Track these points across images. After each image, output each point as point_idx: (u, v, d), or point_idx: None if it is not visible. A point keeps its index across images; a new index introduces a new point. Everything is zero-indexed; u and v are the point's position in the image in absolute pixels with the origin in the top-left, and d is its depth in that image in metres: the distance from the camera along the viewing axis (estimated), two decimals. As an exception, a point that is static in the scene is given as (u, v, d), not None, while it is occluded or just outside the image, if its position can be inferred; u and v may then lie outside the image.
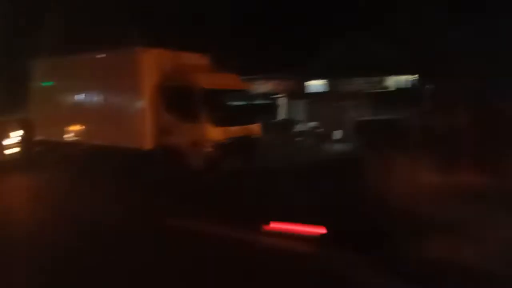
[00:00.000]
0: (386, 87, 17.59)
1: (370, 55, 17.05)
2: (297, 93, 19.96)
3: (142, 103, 10.20)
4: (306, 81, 19.30)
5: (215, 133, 9.58)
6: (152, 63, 10.21)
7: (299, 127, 18.96)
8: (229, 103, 10.95)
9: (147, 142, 10.21)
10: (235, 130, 10.03)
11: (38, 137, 12.96)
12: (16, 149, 12.35)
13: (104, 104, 11.09)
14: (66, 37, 16.27)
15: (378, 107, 17.78)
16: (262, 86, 20.66)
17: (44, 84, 12.87)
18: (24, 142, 12.78)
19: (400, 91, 17.11)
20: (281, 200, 8.60)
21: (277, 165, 11.67)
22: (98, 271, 5.24)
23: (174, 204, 8.59)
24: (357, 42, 17.87)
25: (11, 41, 17.45)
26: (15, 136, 12.38)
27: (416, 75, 16.24)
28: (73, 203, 9.02)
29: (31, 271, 5.23)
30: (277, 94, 20.85)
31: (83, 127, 11.68)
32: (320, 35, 18.07)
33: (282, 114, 20.84)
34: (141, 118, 10.23)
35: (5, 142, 12.11)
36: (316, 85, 19.21)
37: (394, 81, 17.51)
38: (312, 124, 18.86)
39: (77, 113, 11.78)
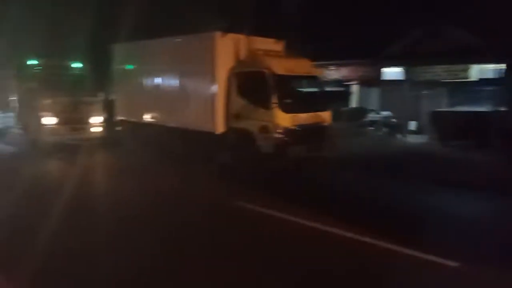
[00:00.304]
0: (468, 77, 16.35)
1: (451, 42, 15.95)
2: (371, 80, 19.25)
3: (216, 87, 10.45)
4: (382, 67, 18.48)
5: (285, 119, 9.59)
6: (228, 48, 10.40)
7: (371, 116, 18.34)
8: (301, 89, 10.90)
9: (219, 125, 10.49)
10: (305, 117, 9.97)
11: (119, 118, 13.86)
12: (100, 128, 13.26)
13: (180, 88, 11.53)
14: (147, 22, 17.08)
15: (459, 98, 16.69)
16: (335, 72, 20.20)
17: (126, 67, 13.65)
18: (106, 122, 13.72)
19: (483, 81, 15.82)
20: (347, 192, 8.51)
21: (346, 155, 11.49)
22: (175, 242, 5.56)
23: (240, 186, 8.81)
24: (438, 27, 16.77)
25: (97, 26, 18.62)
26: (100, 116, 13.29)
27: (503, 65, 14.91)
28: (151, 179, 9.58)
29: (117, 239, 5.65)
30: (350, 80, 20.27)
31: (160, 109, 12.25)
32: (398, 18, 17.19)
33: (354, 101, 20.28)
34: (214, 102, 10.50)
35: (91, 121, 13.04)
36: (392, 72, 18.33)
37: (478, 70, 16.21)
38: (386, 113, 18.14)
39: (155, 96, 12.38)
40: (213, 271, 4.79)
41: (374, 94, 20.04)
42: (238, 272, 4.74)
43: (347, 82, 20.35)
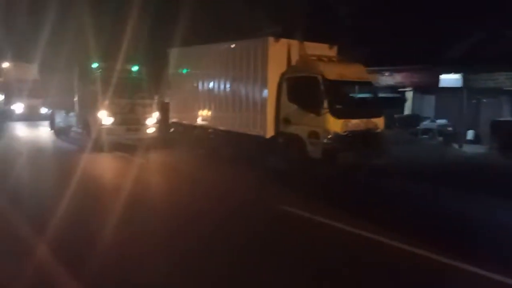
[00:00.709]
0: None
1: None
2: (427, 87, 18.54)
3: (267, 92, 10.51)
4: (439, 73, 17.76)
5: (336, 125, 9.49)
6: (280, 53, 10.45)
7: (426, 124, 17.68)
8: (353, 95, 10.73)
9: (269, 130, 10.54)
10: (357, 123, 9.81)
11: (172, 119, 14.30)
12: (154, 129, 13.79)
13: (231, 92, 11.70)
14: (203, 27, 17.51)
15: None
16: (389, 78, 19.66)
17: (180, 71, 14.07)
18: (161, 123, 14.24)
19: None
20: (399, 201, 8.25)
21: (398, 164, 11.14)
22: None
23: (288, 191, 8.79)
24: (500, 31, 15.86)
25: (154, 31, 19.35)
26: (154, 117, 13.83)
27: None
28: (201, 181, 9.82)
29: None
30: (404, 86, 19.65)
31: (212, 112, 12.50)
32: (457, 21, 16.43)
33: (408, 108, 19.63)
34: (264, 106, 10.57)
35: (146, 122, 13.58)
36: (449, 78, 17.57)
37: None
38: (441, 121, 17.42)
39: (207, 99, 12.65)
40: (259, 275, 4.80)
41: (430, 101, 19.31)
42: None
43: (401, 88, 19.74)
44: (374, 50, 16.88)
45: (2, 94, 25.30)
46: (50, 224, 5.95)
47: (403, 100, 19.45)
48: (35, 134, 18.60)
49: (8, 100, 23.54)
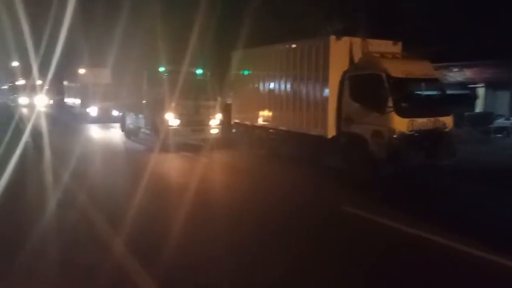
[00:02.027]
0: None
1: None
2: (501, 83, 17.41)
3: (328, 91, 10.43)
4: (514, 68, 16.64)
5: (401, 124, 9.19)
6: (342, 52, 10.33)
7: (499, 122, 16.61)
8: (419, 92, 10.34)
9: (330, 129, 10.46)
10: (423, 122, 9.44)
11: (234, 120, 14.64)
12: (217, 130, 14.24)
13: (293, 91, 11.74)
14: (264, 29, 17.73)
15: None
16: (458, 74, 18.69)
17: (242, 72, 14.37)
18: (223, 124, 14.66)
19: None
20: (467, 206, 7.83)
21: (468, 164, 10.58)
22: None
23: (351, 192, 8.67)
24: None
25: (217, 35, 19.89)
26: (217, 118, 14.28)
27: None
28: (262, 180, 9.98)
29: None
30: (475, 83, 18.58)
31: (273, 112, 12.63)
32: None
33: (479, 106, 18.54)
34: (326, 105, 10.49)
35: (210, 123, 14.05)
36: (526, 73, 16.42)
37: None
38: (517, 119, 16.30)
39: (268, 99, 12.79)
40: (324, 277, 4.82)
41: (504, 98, 18.12)
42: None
43: (472, 84, 18.68)
44: (442, 45, 16.11)
45: (78, 98, 27.30)
46: (124, 219, 6.36)
47: (473, 97, 18.38)
48: (107, 135, 19.87)
49: (84, 104, 25.33)
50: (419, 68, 9.96)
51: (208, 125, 14.04)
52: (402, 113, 9.19)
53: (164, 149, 13.60)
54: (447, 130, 9.76)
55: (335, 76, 10.36)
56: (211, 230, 6.17)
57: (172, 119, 13.55)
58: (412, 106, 9.53)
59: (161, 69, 14.42)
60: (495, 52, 16.11)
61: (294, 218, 6.94)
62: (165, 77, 14.17)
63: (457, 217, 6.97)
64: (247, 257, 5.21)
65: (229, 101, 15.77)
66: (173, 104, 13.57)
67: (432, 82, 10.24)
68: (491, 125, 16.51)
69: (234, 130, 14.81)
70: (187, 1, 20.71)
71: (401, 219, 6.55)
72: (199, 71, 14.72)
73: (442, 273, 4.86)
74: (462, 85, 18.40)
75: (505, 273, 4.89)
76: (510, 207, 7.71)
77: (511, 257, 5.09)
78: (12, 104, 45.42)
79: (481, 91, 18.66)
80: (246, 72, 14.24)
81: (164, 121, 13.64)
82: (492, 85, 18.15)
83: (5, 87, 64.90)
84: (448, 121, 9.85)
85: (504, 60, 16.38)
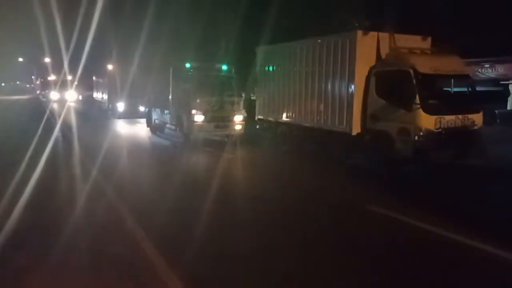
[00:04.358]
0: None
1: None
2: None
3: (354, 87, 10.28)
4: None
5: (429, 122, 8.98)
6: (369, 47, 10.15)
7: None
8: (448, 89, 10.06)
9: (355, 126, 10.31)
10: (452, 120, 9.19)
11: (258, 116, 14.62)
12: (241, 126, 14.26)
13: (318, 87, 11.61)
14: (289, 24, 17.62)
15: None
16: (490, 70, 18.09)
17: (266, 68, 14.32)
18: (247, 120, 14.67)
19: None
20: (497, 207, 7.57)
21: (499, 164, 10.21)
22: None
23: (375, 190, 8.54)
24: None
25: (242, 31, 19.88)
26: (241, 114, 14.29)
27: None
28: (285, 177, 9.94)
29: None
30: (507, 79, 17.94)
31: (297, 108, 12.54)
32: None
33: (512, 103, 17.93)
34: (351, 102, 10.34)
35: (234, 119, 14.08)
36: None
37: None
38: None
39: (292, 95, 12.70)
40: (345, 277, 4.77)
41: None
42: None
43: (504, 81, 18.05)
44: (473, 40, 15.61)
45: (106, 94, 27.86)
46: (149, 211, 6.57)
47: (505, 93, 17.77)
48: (134, 130, 20.21)
49: (112, 99, 25.84)
50: (449, 64, 9.69)
51: (232, 121, 14.06)
52: (429, 110, 8.98)
53: (189, 144, 13.71)
54: (476, 128, 9.48)
55: (361, 71, 10.20)
56: (235, 228, 6.17)
57: (196, 115, 13.64)
58: (440, 103, 9.31)
59: (187, 65, 14.52)
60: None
61: (317, 217, 6.87)
62: (190, 73, 14.28)
63: (478, 216, 6.78)
64: (270, 257, 5.18)
65: (253, 97, 15.76)
66: (197, 100, 13.67)
67: (461, 79, 9.96)
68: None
69: (257, 126, 14.81)
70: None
71: (426, 219, 6.39)
72: (223, 67, 14.76)
73: (465, 273, 4.75)
74: (494, 81, 17.81)
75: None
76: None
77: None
78: (43, 99, 46.87)
79: (514, 87, 18.02)
80: (270, 68, 14.19)
81: (189, 117, 13.76)
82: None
83: (38, 82, 67.10)
84: (477, 118, 9.56)
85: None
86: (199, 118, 13.64)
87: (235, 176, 10.05)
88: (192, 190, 8.33)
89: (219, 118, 13.90)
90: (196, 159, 12.56)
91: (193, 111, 13.64)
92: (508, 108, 17.68)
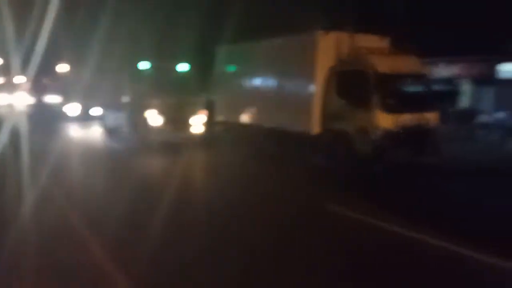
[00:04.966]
0: None
1: None
2: (485, 79, 17.42)
3: (314, 87, 10.23)
4: (498, 64, 16.62)
5: (386, 121, 9.05)
6: (329, 47, 10.13)
7: (484, 118, 16.59)
8: (405, 88, 10.19)
9: (315, 126, 10.26)
10: (409, 118, 9.30)
11: (218, 118, 14.30)
12: (201, 128, 13.78)
13: (278, 88, 11.51)
14: (249, 24, 17.41)
15: None
16: (444, 70, 18.64)
17: (226, 68, 14.05)
18: (207, 122, 14.22)
19: None
20: (453, 203, 7.68)
21: (453, 161, 10.46)
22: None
23: (336, 190, 8.47)
24: None
25: (201, 30, 19.51)
26: (201, 116, 13.82)
27: None
28: (245, 179, 9.71)
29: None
30: (460, 78, 18.57)
31: (257, 110, 12.36)
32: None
33: (464, 102, 18.53)
34: (311, 102, 10.30)
35: (194, 121, 13.59)
36: (510, 69, 16.42)
37: None
38: (501, 115, 16.28)
39: (252, 97, 12.54)
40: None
41: (488, 94, 18.10)
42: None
43: (457, 80, 18.68)
44: (429, 40, 16.00)
45: (59, 97, 26.67)
46: (100, 216, 6.35)
47: (458, 93, 18.41)
48: (87, 134, 19.34)
49: (65, 102, 24.73)
50: (406, 64, 9.83)
51: (191, 123, 13.59)
52: (387, 110, 9.05)
53: (145, 148, 13.20)
54: (432, 126, 9.64)
55: (321, 72, 10.16)
56: (188, 232, 5.94)
57: (153, 117, 13.11)
58: (397, 103, 9.38)
59: (143, 65, 13.99)
60: (481, 48, 16.11)
61: (276, 217, 6.73)
62: (146, 74, 13.77)
63: (441, 215, 6.82)
64: (227, 261, 4.98)
65: (213, 98, 15.39)
66: (154, 102, 13.15)
67: (418, 78, 10.12)
68: (476, 122, 16.48)
69: (217, 128, 14.48)
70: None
71: (385, 217, 6.41)
72: (182, 67, 14.31)
73: (426, 272, 4.72)
74: (447, 80, 18.38)
75: (486, 269, 4.80)
76: (491, 205, 7.58)
77: (494, 254, 5.02)
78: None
79: (466, 87, 18.68)
80: (230, 68, 13.95)
81: (145, 120, 13.20)
82: (477, 81, 18.17)
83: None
84: (433, 117, 9.73)
85: (488, 55, 16.40)
86: (155, 120, 13.11)
87: (192, 181, 9.72)
88: (147, 196, 7.91)
89: (178, 120, 13.33)
90: (152, 163, 12.08)
91: (149, 113, 13.11)
92: (461, 107, 18.28)
